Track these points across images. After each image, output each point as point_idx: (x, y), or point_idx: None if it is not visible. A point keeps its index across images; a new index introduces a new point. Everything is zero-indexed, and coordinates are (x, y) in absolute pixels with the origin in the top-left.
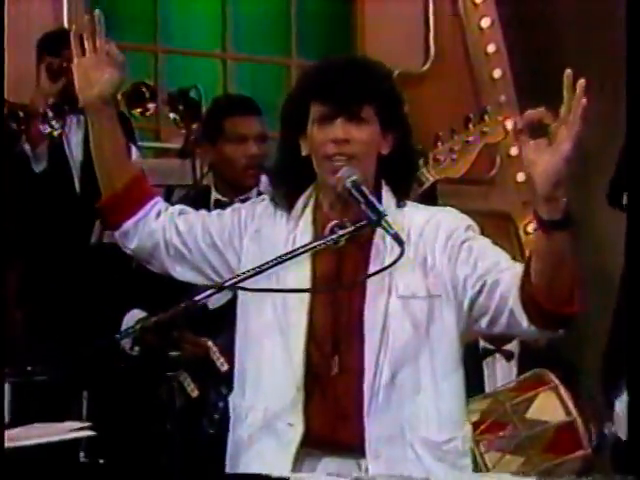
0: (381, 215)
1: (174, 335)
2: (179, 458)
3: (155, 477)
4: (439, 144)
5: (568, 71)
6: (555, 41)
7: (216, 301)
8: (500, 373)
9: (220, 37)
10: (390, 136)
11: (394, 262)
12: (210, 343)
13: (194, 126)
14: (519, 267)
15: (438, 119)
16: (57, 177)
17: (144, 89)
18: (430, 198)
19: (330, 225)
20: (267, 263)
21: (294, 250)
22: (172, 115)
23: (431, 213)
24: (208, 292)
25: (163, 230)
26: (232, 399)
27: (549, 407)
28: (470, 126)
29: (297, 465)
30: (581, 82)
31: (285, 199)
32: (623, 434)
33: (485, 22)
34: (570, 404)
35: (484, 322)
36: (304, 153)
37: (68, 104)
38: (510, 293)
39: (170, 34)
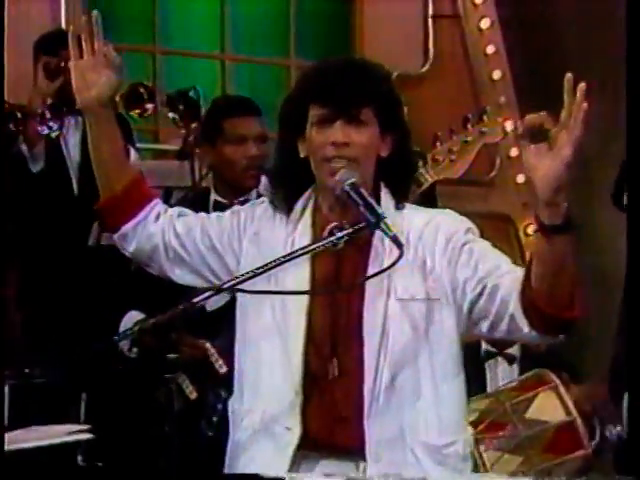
0: (380, 217)
1: (172, 337)
2: (177, 461)
3: None
4: (437, 144)
5: (569, 75)
6: (555, 42)
7: (214, 303)
8: (502, 376)
9: (219, 38)
10: (389, 138)
11: (393, 264)
12: (208, 345)
13: (193, 125)
14: (520, 271)
15: (437, 120)
16: (54, 178)
17: (142, 90)
18: (430, 200)
19: (329, 227)
20: (265, 265)
21: (293, 252)
22: (171, 115)
23: (430, 215)
24: (206, 294)
25: (162, 233)
26: (231, 403)
27: (549, 407)
28: (469, 126)
29: (294, 468)
30: (581, 86)
31: (284, 201)
32: None
33: (485, 23)
34: (570, 404)
35: (485, 326)
36: (302, 155)
37: (66, 105)
38: (511, 297)
39: (168, 35)
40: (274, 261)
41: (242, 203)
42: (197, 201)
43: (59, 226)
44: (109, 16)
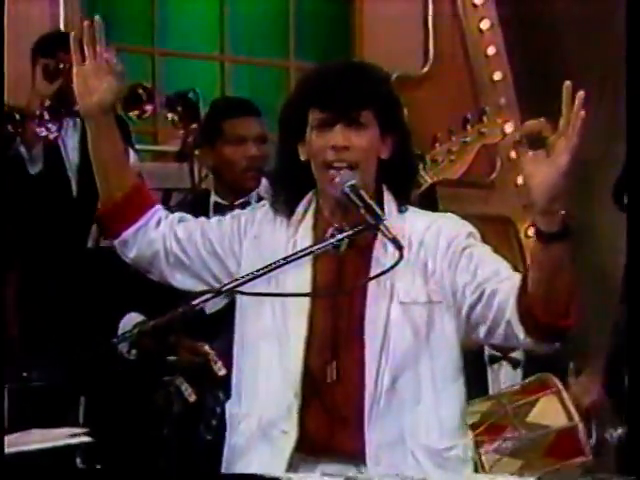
0: (380, 219)
1: (171, 340)
2: (176, 464)
3: None
4: (437, 145)
5: (567, 83)
6: (555, 43)
7: (213, 305)
8: (505, 380)
9: (218, 39)
10: (389, 140)
11: (393, 266)
12: (207, 348)
13: (192, 127)
14: (518, 278)
15: (437, 122)
16: (53, 179)
17: (141, 91)
18: (430, 202)
19: (330, 230)
20: (265, 267)
21: (293, 254)
22: (170, 116)
23: (432, 219)
24: (206, 296)
25: (163, 238)
26: (229, 406)
27: (551, 411)
28: (468, 127)
29: (292, 471)
30: (580, 95)
31: (285, 205)
32: None
33: (485, 24)
34: (572, 409)
35: (482, 332)
36: (303, 159)
37: (64, 106)
38: (507, 304)
39: (167, 36)
40: (274, 263)
41: (242, 205)
42: (197, 203)
43: (58, 228)
44: (108, 17)
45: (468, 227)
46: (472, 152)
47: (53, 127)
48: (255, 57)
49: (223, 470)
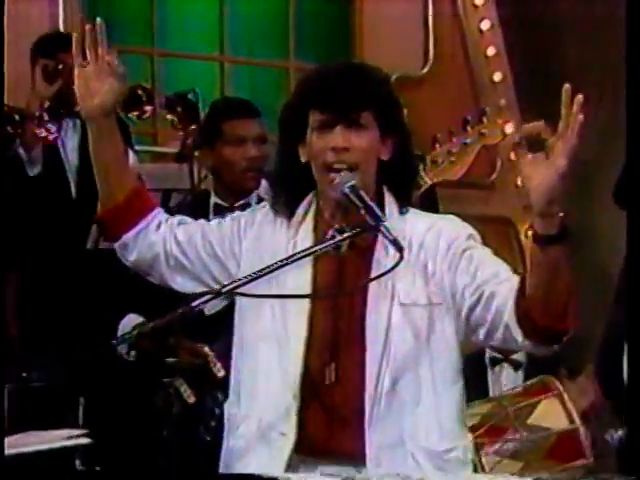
0: (380, 220)
1: (171, 341)
2: (175, 465)
3: None
4: (437, 146)
5: (567, 86)
6: (555, 43)
7: (213, 307)
8: (506, 382)
9: (217, 40)
10: (390, 141)
11: (393, 267)
12: (207, 349)
13: (192, 128)
14: (517, 280)
15: (437, 123)
16: (52, 181)
17: (140, 92)
18: (431, 203)
19: (330, 232)
20: (266, 268)
21: (293, 255)
22: (169, 117)
23: (432, 221)
24: (205, 298)
25: (163, 241)
26: (227, 408)
27: (552, 414)
28: (468, 128)
29: (291, 472)
30: (578, 98)
31: (285, 206)
32: None
33: (485, 24)
34: (574, 412)
35: (482, 334)
36: (303, 160)
37: (64, 107)
38: (505, 307)
39: (167, 36)
40: (275, 264)
41: (242, 206)
42: (197, 204)
43: (57, 229)
44: (107, 17)
45: (468, 229)
46: (472, 153)
47: (52, 128)
48: (255, 58)
49: (221, 472)
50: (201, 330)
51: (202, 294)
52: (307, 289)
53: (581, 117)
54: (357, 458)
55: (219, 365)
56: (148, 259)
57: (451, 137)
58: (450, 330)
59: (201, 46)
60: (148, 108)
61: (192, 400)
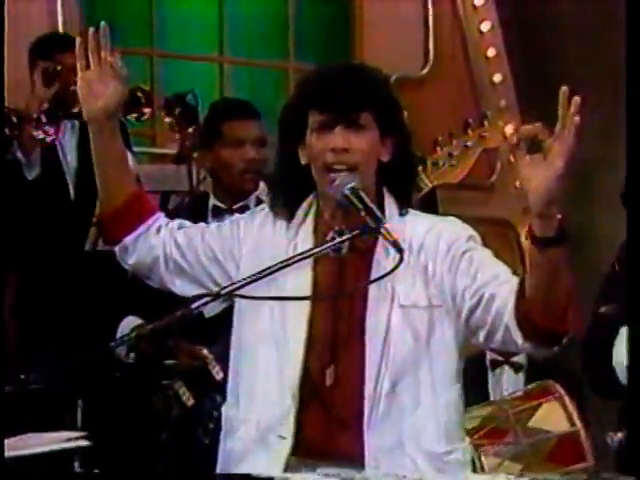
0: (380, 222)
1: (169, 343)
2: (174, 467)
3: None
4: (438, 149)
5: (564, 88)
6: (555, 44)
7: (212, 309)
8: (507, 385)
9: (217, 40)
10: (389, 142)
11: (394, 269)
12: (206, 351)
13: (189, 130)
14: (517, 282)
15: (437, 124)
16: (50, 183)
17: (140, 94)
18: (431, 205)
19: (331, 234)
20: (265, 269)
21: (292, 257)
22: (167, 119)
23: (432, 222)
24: (204, 300)
25: (163, 245)
26: (225, 410)
27: (553, 417)
28: (469, 131)
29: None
30: (576, 99)
31: (285, 208)
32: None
33: (485, 26)
34: (575, 415)
35: (482, 336)
36: (303, 162)
37: (62, 109)
38: (505, 309)
39: (166, 37)
40: (274, 266)
41: (241, 208)
42: (195, 206)
43: (56, 231)
44: (106, 18)
45: (469, 230)
46: (473, 156)
47: (50, 130)
48: (254, 58)
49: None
50: (200, 333)
51: (201, 296)
52: (307, 291)
53: (577, 119)
54: (356, 460)
55: (218, 368)
56: (148, 262)
57: (452, 140)
58: (450, 332)
59: (200, 47)
60: (147, 110)
61: (191, 403)
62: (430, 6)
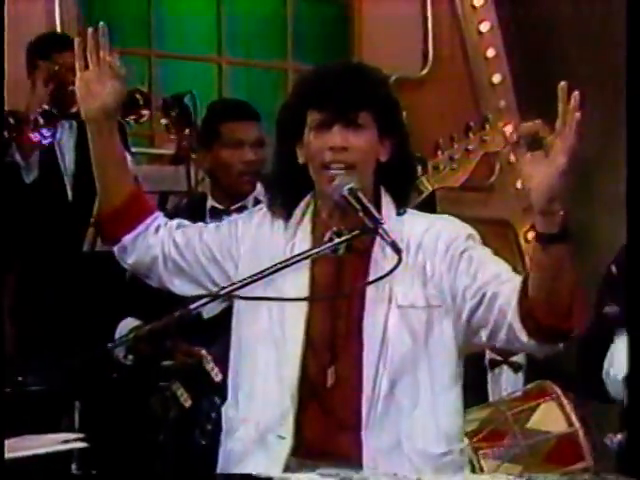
0: (378, 223)
1: (167, 344)
2: (172, 469)
3: None
4: (439, 152)
5: (562, 84)
6: (555, 44)
7: (210, 310)
8: (506, 385)
9: (215, 41)
10: (388, 142)
11: (392, 270)
12: (204, 352)
13: (185, 132)
14: (519, 280)
15: (437, 124)
16: (48, 185)
17: (138, 96)
18: (429, 205)
19: (328, 234)
20: (263, 271)
21: (290, 258)
22: (163, 121)
23: (431, 222)
24: (202, 301)
25: (162, 244)
26: (225, 410)
27: (551, 417)
28: (470, 134)
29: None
30: (575, 94)
31: (283, 208)
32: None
33: (484, 26)
34: (573, 415)
35: (484, 335)
36: (301, 161)
37: (59, 109)
38: (509, 307)
39: (164, 38)
40: (272, 267)
41: (239, 209)
42: (193, 207)
43: (54, 232)
44: (104, 19)
45: (467, 229)
46: (474, 160)
47: (47, 133)
48: (253, 59)
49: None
50: (199, 334)
51: (199, 297)
52: (305, 291)
53: (579, 114)
54: (355, 461)
55: (216, 369)
56: (147, 262)
57: (453, 143)
58: (449, 332)
59: (198, 47)
60: (145, 112)
61: (189, 404)
62: (429, 7)
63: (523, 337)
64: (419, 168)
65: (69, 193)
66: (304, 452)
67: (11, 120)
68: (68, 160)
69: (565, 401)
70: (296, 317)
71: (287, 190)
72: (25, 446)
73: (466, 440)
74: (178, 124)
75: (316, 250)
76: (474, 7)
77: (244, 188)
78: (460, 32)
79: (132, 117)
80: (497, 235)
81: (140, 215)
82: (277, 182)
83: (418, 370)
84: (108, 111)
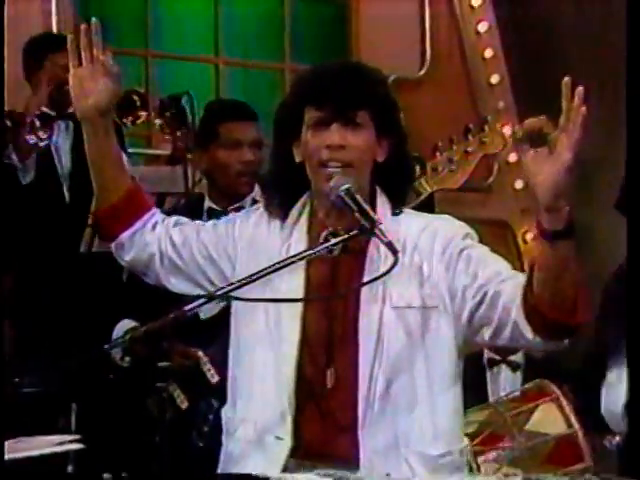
0: (374, 223)
1: (164, 345)
2: (168, 470)
3: None
4: (437, 154)
5: (566, 79)
6: (554, 44)
7: (207, 311)
8: (504, 384)
9: (212, 41)
10: (385, 142)
11: (388, 271)
12: (201, 354)
13: (179, 133)
14: (521, 277)
15: (435, 125)
16: (45, 186)
17: (135, 97)
18: (427, 206)
19: (324, 234)
20: (259, 272)
21: (287, 258)
22: (157, 121)
23: (427, 221)
24: (199, 302)
25: (158, 241)
26: (224, 411)
27: (550, 419)
28: (469, 136)
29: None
30: (579, 90)
31: (279, 207)
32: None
33: (482, 26)
34: (572, 416)
35: (487, 334)
36: (298, 160)
37: (55, 110)
38: (513, 304)
39: (161, 38)
40: (268, 267)
41: (236, 210)
42: (191, 208)
43: (51, 233)
44: (101, 19)
45: (465, 228)
46: (473, 162)
47: (44, 135)
48: (250, 59)
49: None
50: (196, 335)
51: (196, 298)
52: (300, 292)
53: (583, 109)
54: (353, 462)
55: (213, 370)
56: (144, 259)
57: (452, 145)
58: (447, 333)
59: (196, 47)
60: (142, 113)
61: (185, 405)
62: (427, 7)
63: (528, 334)
64: (417, 168)
65: (66, 194)
66: (303, 453)
67: (8, 122)
68: (64, 161)
69: (564, 402)
70: (292, 318)
71: (284, 190)
72: (21, 448)
73: (466, 440)
74: (172, 124)
75: (312, 251)
76: (472, 7)
77: (242, 189)
78: (458, 32)
79: (129, 118)
80: (495, 236)
81: (137, 211)
82: (274, 182)
83: (415, 370)
84: (102, 109)
